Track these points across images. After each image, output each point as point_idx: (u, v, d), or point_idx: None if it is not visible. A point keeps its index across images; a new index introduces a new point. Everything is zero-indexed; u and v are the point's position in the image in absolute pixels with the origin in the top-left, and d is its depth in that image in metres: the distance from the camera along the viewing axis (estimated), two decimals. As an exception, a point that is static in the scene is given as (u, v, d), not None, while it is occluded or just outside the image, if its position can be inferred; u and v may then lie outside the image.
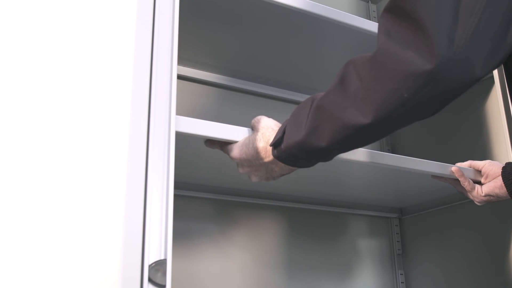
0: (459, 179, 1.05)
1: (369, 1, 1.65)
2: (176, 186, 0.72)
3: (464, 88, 0.64)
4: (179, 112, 0.76)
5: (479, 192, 1.04)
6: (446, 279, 1.31)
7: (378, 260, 1.41)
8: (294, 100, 1.38)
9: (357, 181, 1.16)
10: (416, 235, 1.42)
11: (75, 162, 0.66)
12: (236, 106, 1.31)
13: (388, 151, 1.49)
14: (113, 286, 0.63)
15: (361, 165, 1.00)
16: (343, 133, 0.69)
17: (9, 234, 0.60)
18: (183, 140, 0.78)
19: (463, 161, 1.10)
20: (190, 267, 1.13)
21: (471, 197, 1.06)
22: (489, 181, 1.04)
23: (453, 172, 1.05)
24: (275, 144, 0.78)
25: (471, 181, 1.05)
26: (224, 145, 0.84)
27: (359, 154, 0.95)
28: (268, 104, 1.35)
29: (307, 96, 1.38)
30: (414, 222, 1.43)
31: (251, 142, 0.81)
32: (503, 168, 1.01)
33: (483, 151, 1.24)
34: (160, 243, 0.67)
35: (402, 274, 1.42)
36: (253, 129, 0.84)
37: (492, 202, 1.04)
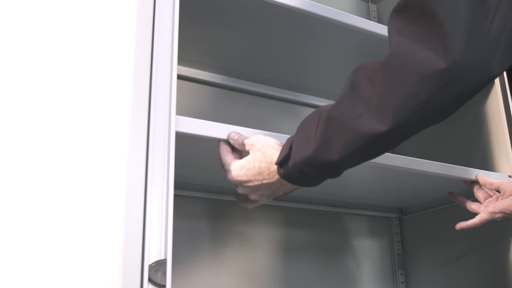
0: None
1: (369, 1, 1.65)
2: (176, 186, 0.72)
3: (481, 87, 0.61)
4: (179, 112, 0.76)
5: (490, 209, 1.02)
6: (446, 279, 1.31)
7: (378, 260, 1.41)
8: (293, 100, 1.38)
9: (357, 181, 1.16)
10: (416, 235, 1.42)
11: (75, 162, 0.66)
12: (235, 106, 1.31)
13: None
14: (113, 286, 0.63)
15: (362, 165, 1.00)
16: (357, 143, 0.65)
17: (9, 234, 0.60)
18: (183, 140, 0.78)
19: (463, 161, 1.10)
20: (190, 267, 1.13)
21: (479, 210, 1.06)
22: (505, 198, 1.02)
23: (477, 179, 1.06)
24: (281, 162, 0.73)
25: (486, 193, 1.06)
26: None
27: (359, 154, 0.95)
28: (268, 104, 1.35)
29: (305, 96, 1.39)
30: (414, 222, 1.43)
31: (250, 163, 0.77)
32: None
33: (483, 152, 1.24)
34: (160, 243, 0.67)
35: (402, 274, 1.42)
36: (250, 149, 0.79)
37: (499, 219, 1.03)
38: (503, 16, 0.58)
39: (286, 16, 1.02)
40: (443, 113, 0.64)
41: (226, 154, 0.81)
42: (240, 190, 0.81)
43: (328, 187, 1.21)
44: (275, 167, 0.75)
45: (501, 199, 1.03)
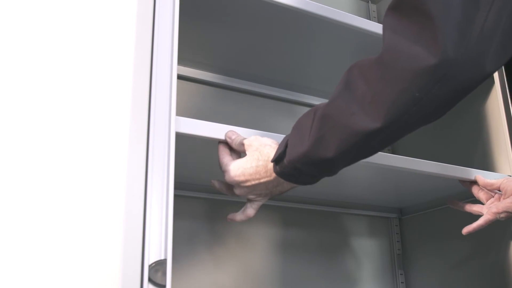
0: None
1: (369, 1, 1.65)
2: (176, 186, 0.72)
3: (475, 85, 0.61)
4: (178, 111, 0.76)
5: (493, 210, 1.02)
6: (446, 279, 1.31)
7: (378, 260, 1.41)
8: (293, 99, 1.38)
9: (357, 181, 1.16)
10: (416, 235, 1.42)
11: (75, 162, 0.66)
12: (235, 106, 1.31)
13: (388, 151, 1.49)
14: (113, 286, 0.63)
15: (361, 165, 1.00)
16: (351, 140, 0.65)
17: (9, 234, 0.60)
18: (183, 141, 0.78)
19: (463, 161, 1.10)
20: (190, 267, 1.13)
21: (482, 211, 1.06)
22: (507, 198, 1.02)
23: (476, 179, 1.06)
24: (277, 160, 0.73)
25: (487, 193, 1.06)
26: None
27: (359, 154, 0.95)
28: (268, 104, 1.35)
29: (305, 96, 1.39)
30: (414, 222, 1.43)
31: (248, 162, 0.77)
32: None
33: (483, 152, 1.24)
34: (160, 243, 0.67)
35: (402, 274, 1.42)
36: (247, 149, 0.79)
37: (503, 219, 1.03)
38: (497, 13, 0.58)
39: (285, 16, 1.02)
40: (437, 111, 0.64)
41: (224, 156, 0.81)
42: (237, 191, 0.81)
43: (328, 187, 1.22)
44: (271, 165, 0.75)
45: (503, 198, 1.03)
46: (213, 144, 0.83)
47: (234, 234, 1.21)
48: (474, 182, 1.09)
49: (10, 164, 0.63)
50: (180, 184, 1.09)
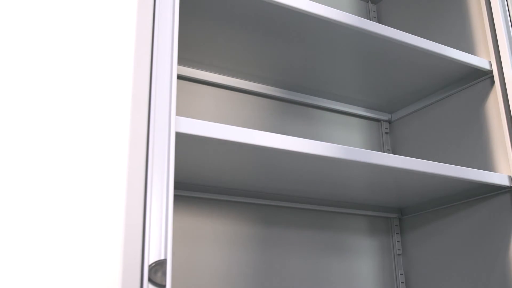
0: None
1: (369, 1, 1.65)
2: (176, 186, 0.72)
3: None
4: (178, 111, 0.76)
5: None
6: (446, 279, 1.31)
7: (378, 260, 1.42)
8: (293, 100, 1.38)
9: (357, 181, 1.16)
10: (416, 235, 1.42)
11: (75, 162, 0.66)
12: (235, 106, 1.31)
13: (388, 151, 1.49)
14: (113, 286, 0.63)
15: (361, 165, 1.00)
16: None
17: (9, 234, 0.60)
18: (183, 141, 0.78)
19: (463, 161, 1.10)
20: (190, 267, 1.13)
21: None
22: None
23: None
24: None
25: None
26: None
27: (359, 154, 0.95)
28: (268, 104, 1.35)
29: (306, 96, 1.39)
30: (414, 222, 1.43)
31: None
32: None
33: (483, 152, 1.24)
34: (160, 243, 0.67)
35: (402, 274, 1.42)
36: None
37: None
38: None
39: (285, 15, 1.03)
40: None
41: None
42: None
43: (328, 187, 1.22)
44: None
45: None
46: (213, 144, 0.83)
47: (234, 234, 1.21)
48: None
49: (10, 164, 0.63)
50: (180, 184, 1.09)
